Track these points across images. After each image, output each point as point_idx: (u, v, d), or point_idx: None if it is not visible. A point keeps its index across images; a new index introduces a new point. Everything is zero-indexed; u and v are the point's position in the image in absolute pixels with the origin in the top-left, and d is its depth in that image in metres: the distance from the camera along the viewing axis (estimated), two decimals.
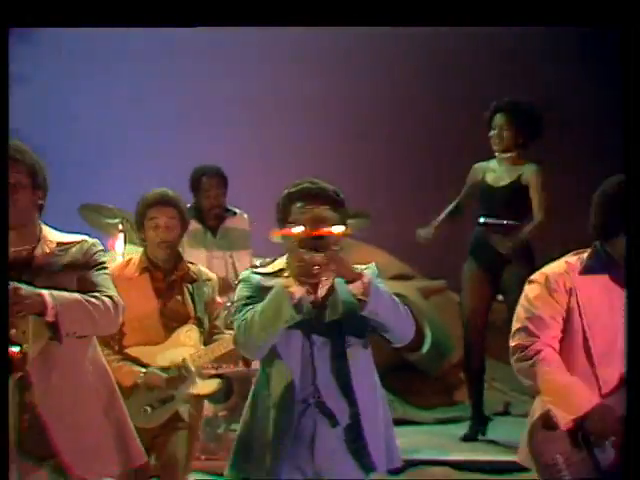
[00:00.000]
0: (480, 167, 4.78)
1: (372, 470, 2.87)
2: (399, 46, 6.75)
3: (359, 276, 2.74)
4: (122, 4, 3.95)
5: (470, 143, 6.01)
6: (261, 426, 2.83)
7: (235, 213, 4.80)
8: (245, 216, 4.83)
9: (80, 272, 2.87)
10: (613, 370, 2.77)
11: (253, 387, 2.96)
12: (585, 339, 2.81)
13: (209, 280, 3.57)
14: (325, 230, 2.72)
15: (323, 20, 4.37)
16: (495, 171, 4.72)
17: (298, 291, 2.70)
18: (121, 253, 4.44)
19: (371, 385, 2.89)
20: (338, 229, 2.74)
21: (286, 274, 2.76)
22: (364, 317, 2.74)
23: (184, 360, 3.44)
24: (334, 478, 2.80)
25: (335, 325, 2.83)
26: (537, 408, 2.93)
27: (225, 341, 3.48)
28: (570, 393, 2.82)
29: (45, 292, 2.72)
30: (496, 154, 4.67)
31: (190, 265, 3.57)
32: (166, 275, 3.51)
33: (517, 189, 4.60)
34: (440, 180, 6.18)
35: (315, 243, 2.71)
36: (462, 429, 4.92)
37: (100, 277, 2.87)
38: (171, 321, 3.49)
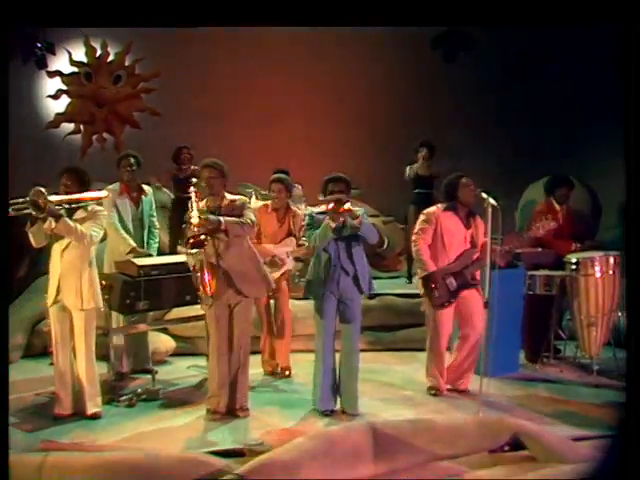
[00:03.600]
0: (412, 167, 7.21)
1: (363, 292, 4.49)
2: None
3: (358, 217, 4.24)
4: (124, 4, 3.77)
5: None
6: (317, 276, 4.45)
7: (295, 186, 6.31)
8: (300, 187, 6.81)
9: (239, 210, 4.26)
10: (455, 252, 4.52)
11: (312, 261, 4.49)
12: (443, 238, 4.57)
13: (298, 215, 5.24)
14: (342, 208, 4.09)
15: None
16: (420, 168, 7.26)
17: (333, 224, 4.18)
18: (252, 204, 5.58)
19: (363, 260, 4.47)
20: (347, 206, 4.11)
21: (326, 216, 4.16)
22: (359, 234, 4.30)
23: (276, 256, 5.19)
24: (347, 297, 4.43)
25: (348, 236, 4.35)
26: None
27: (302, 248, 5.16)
28: (422, 263, 4.50)
29: (221, 218, 4.08)
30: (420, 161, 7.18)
31: (293, 207, 5.30)
32: (281, 212, 5.24)
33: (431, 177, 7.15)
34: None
35: (335, 209, 4.14)
36: (400, 281, 7.51)
37: (248, 211, 4.27)
38: (287, 234, 5.24)
